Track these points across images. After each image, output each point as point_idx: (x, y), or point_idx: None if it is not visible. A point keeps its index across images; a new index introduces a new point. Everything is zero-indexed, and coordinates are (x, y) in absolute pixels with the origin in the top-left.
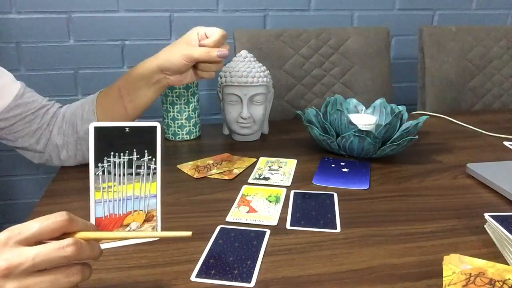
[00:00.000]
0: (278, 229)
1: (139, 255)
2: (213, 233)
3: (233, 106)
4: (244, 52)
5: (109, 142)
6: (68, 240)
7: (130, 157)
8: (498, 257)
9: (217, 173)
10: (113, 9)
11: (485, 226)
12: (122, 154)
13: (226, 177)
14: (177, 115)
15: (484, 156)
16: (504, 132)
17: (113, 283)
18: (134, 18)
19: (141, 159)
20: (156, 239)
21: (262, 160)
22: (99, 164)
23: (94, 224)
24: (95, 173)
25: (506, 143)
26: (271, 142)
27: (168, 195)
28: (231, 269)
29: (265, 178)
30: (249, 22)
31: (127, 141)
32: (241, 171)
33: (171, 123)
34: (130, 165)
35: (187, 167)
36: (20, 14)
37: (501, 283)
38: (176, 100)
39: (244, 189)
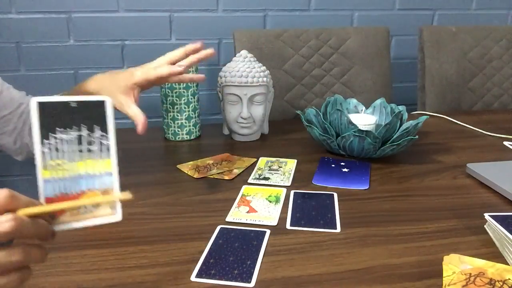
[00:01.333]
0: (278, 229)
1: (139, 255)
2: (213, 233)
3: (233, 106)
4: (244, 52)
5: (55, 117)
6: (7, 215)
7: (79, 133)
8: (498, 257)
9: (217, 173)
10: (113, 9)
11: (485, 226)
12: (69, 129)
13: (226, 177)
14: (177, 115)
15: (484, 156)
16: (504, 132)
17: (113, 283)
18: (134, 18)
19: (92, 135)
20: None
21: (262, 160)
22: (45, 141)
23: (43, 203)
24: (42, 151)
25: (506, 143)
26: (271, 142)
27: (168, 195)
28: (231, 269)
29: (265, 178)
30: (249, 22)
31: (75, 117)
32: (241, 171)
33: (171, 123)
34: (80, 142)
35: (187, 167)
36: (20, 14)
37: (501, 283)
38: (176, 100)
39: (244, 189)
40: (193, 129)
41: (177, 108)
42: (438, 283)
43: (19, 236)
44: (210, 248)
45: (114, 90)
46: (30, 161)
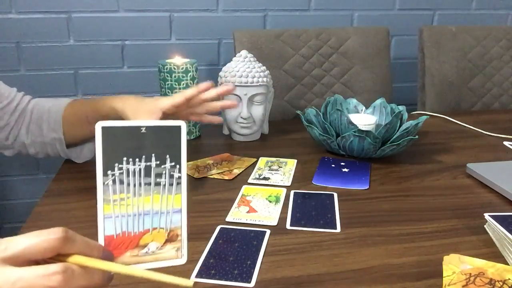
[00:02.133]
0: (278, 229)
1: None
2: (213, 233)
3: None
4: (244, 52)
5: (121, 145)
6: (56, 267)
7: (148, 163)
8: (498, 257)
9: (217, 173)
10: (113, 9)
11: (485, 226)
12: (137, 160)
13: (226, 177)
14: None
15: (484, 156)
16: (504, 132)
17: (113, 283)
18: (134, 18)
19: (162, 166)
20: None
21: (262, 160)
22: (109, 172)
23: (102, 243)
24: (103, 183)
25: (506, 143)
26: (271, 142)
27: None
28: (231, 269)
29: (265, 178)
30: (249, 22)
31: (144, 144)
32: (241, 171)
33: None
34: (147, 173)
35: (187, 167)
36: (20, 14)
37: (501, 283)
38: None
39: (244, 189)
40: (193, 129)
41: None
42: (438, 283)
43: None
44: (210, 248)
45: (140, 110)
46: (30, 161)
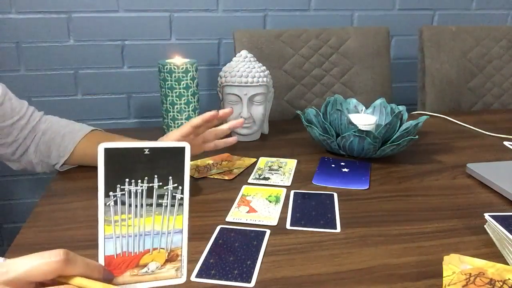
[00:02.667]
0: (278, 229)
1: None
2: (213, 233)
3: (233, 106)
4: (244, 52)
5: (124, 166)
6: None
7: (150, 184)
8: (498, 257)
9: (217, 173)
10: (113, 9)
11: (485, 226)
12: (140, 181)
13: (226, 177)
14: (177, 115)
15: (484, 156)
16: (504, 132)
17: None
18: (134, 18)
19: (164, 187)
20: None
21: (262, 160)
22: (111, 193)
23: (102, 263)
24: (105, 204)
25: (506, 143)
26: (271, 142)
27: None
28: (231, 269)
29: (265, 178)
30: (249, 22)
31: (147, 166)
32: (241, 171)
33: (171, 123)
34: (149, 195)
35: None
36: (20, 14)
37: (501, 283)
38: (176, 100)
39: (244, 189)
40: None
41: (177, 108)
42: (438, 283)
43: None
44: (210, 248)
45: None
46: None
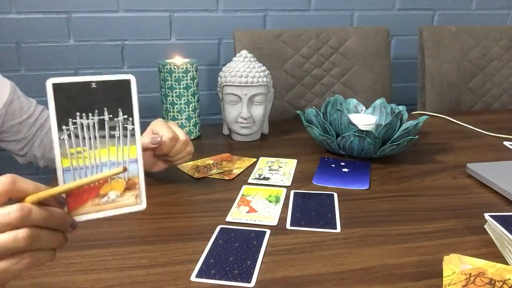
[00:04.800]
0: (278, 229)
1: (139, 255)
2: (213, 233)
3: (233, 106)
4: (244, 52)
5: (73, 100)
6: (12, 206)
7: (101, 117)
8: (498, 257)
9: (217, 173)
10: (113, 9)
11: (485, 226)
12: (90, 114)
13: (226, 177)
14: (177, 115)
15: (484, 156)
16: (504, 132)
17: (113, 283)
18: (134, 18)
19: (115, 119)
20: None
21: (262, 160)
22: (63, 127)
23: (63, 195)
24: (59, 138)
25: (506, 143)
26: (271, 142)
27: (168, 195)
28: (231, 269)
29: (265, 178)
30: (249, 22)
31: (96, 99)
32: (241, 171)
33: None
34: (102, 127)
35: (187, 167)
36: (20, 14)
37: (501, 283)
38: (176, 100)
39: (244, 189)
40: (193, 129)
41: (177, 108)
42: (438, 283)
43: (27, 225)
44: (210, 248)
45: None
46: (31, 162)
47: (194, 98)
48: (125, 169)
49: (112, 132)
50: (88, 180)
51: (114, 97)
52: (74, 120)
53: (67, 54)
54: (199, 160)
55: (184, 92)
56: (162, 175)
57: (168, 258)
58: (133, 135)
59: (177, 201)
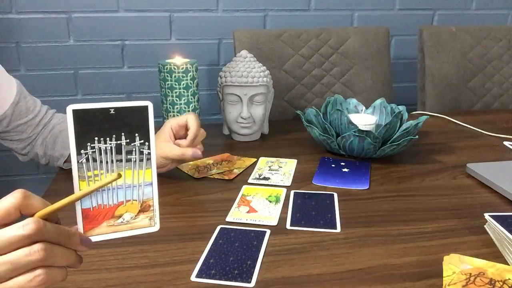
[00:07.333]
0: (278, 229)
1: (139, 255)
2: (213, 233)
3: (233, 106)
4: (244, 52)
5: (92, 126)
6: (26, 220)
7: (118, 142)
8: (498, 257)
9: (217, 173)
10: (113, 9)
11: (485, 226)
12: (108, 139)
13: (226, 177)
14: (177, 115)
15: (484, 156)
16: (504, 132)
17: (113, 283)
18: (134, 18)
19: (132, 144)
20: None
21: (262, 160)
22: (82, 151)
23: (79, 216)
24: (78, 161)
25: (506, 143)
26: (271, 142)
27: (168, 195)
28: (231, 269)
29: (265, 178)
30: (249, 22)
31: (114, 124)
32: (241, 171)
33: None
34: (118, 151)
35: (187, 167)
36: (20, 14)
37: (501, 283)
38: (176, 100)
39: (244, 189)
40: None
41: (177, 108)
42: (438, 283)
43: (41, 239)
44: (210, 248)
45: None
46: (31, 161)
47: (194, 98)
48: (119, 176)
49: (128, 156)
50: (88, 190)
51: (131, 123)
52: (92, 145)
53: (67, 54)
54: (199, 160)
55: (184, 92)
56: (162, 175)
57: (168, 258)
58: (148, 159)
59: (177, 201)
